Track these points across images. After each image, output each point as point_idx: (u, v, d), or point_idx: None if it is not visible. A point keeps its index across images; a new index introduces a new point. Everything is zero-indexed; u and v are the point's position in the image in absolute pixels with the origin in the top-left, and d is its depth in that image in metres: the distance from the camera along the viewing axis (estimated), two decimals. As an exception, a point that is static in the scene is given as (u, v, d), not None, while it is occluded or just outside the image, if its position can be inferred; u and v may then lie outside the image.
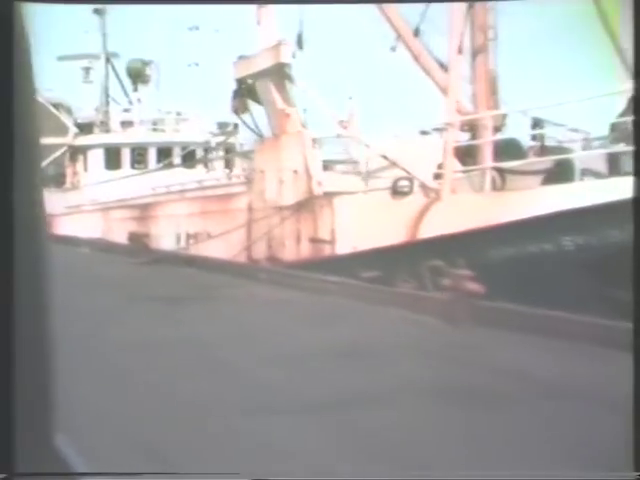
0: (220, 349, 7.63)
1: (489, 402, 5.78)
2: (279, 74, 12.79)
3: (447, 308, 8.89)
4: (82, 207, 22.20)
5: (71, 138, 25.53)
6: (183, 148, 23.21)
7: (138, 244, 15.10)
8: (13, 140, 2.61)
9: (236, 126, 25.13)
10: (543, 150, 13.61)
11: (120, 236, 18.27)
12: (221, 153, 23.79)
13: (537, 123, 14.00)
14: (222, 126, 24.10)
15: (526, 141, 14.20)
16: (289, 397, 5.84)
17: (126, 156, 22.98)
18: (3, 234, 2.56)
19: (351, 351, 7.43)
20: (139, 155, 23.08)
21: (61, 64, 25.16)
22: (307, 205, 12.33)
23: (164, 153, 23.18)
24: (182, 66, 24.70)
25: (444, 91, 14.73)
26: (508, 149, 13.38)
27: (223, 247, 14.00)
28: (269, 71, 12.84)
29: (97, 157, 22.99)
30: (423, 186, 11.58)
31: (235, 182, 15.56)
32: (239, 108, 13.80)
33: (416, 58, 14.84)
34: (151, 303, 10.51)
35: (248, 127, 14.10)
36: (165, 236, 15.67)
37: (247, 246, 13.60)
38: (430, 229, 11.20)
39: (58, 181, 26.76)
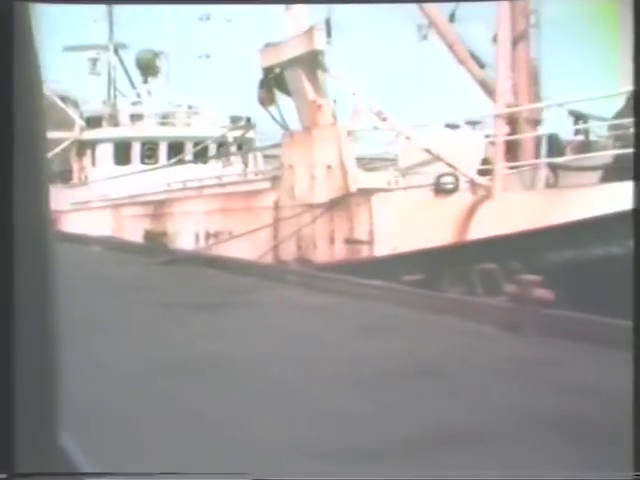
0: (262, 366, 6.73)
1: (593, 433, 4.95)
2: (311, 62, 11.91)
3: (509, 317, 8.05)
4: (90, 204, 21.32)
5: (78, 132, 24.66)
6: (196, 143, 22.32)
7: (155, 243, 14.21)
8: (13, 139, 2.60)
9: (249, 120, 24.30)
10: (586, 145, 12.76)
11: (133, 234, 17.38)
12: (238, 148, 22.91)
13: (579, 117, 13.15)
14: (235, 120, 23.21)
15: (565, 136, 13.37)
16: (373, 434, 4.91)
17: (136, 151, 22.06)
18: (3, 233, 2.56)
19: (417, 370, 6.54)
20: (149, 150, 22.18)
21: (67, 55, 24.28)
22: (342, 203, 11.45)
23: (175, 148, 22.27)
24: (192, 57, 23.81)
25: (481, 82, 13.88)
26: (549, 144, 12.56)
27: (247, 247, 13.12)
28: (300, 59, 11.94)
29: (106, 152, 22.09)
30: (471, 183, 10.70)
31: (259, 178, 14.61)
32: (266, 99, 12.90)
33: (450, 47, 13.95)
34: (170, 308, 9.64)
35: (274, 120, 13.20)
36: (182, 235, 14.77)
37: (274, 246, 12.72)
38: (480, 229, 10.33)
39: (64, 177, 25.88)
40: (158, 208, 16.48)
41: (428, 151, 10.89)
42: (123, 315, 9.25)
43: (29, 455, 2.63)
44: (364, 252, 11.27)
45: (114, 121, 22.64)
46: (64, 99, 24.38)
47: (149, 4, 23.35)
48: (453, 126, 14.92)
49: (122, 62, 25.31)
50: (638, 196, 4.52)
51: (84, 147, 23.25)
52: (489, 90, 13.77)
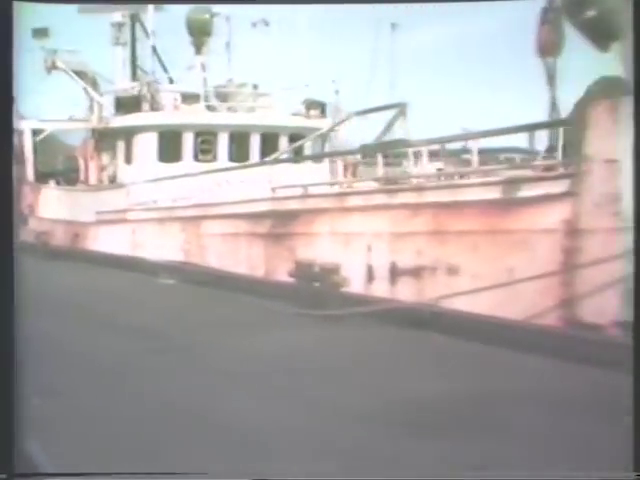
0: None
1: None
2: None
3: None
4: (128, 214, 15.60)
5: (97, 119, 18.88)
6: (263, 134, 16.81)
7: (315, 284, 8.67)
8: (12, 137, 3.39)
9: (324, 106, 18.86)
10: None
11: (227, 261, 11.83)
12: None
13: None
14: (309, 105, 17.73)
15: None
16: None
17: (188, 143, 16.42)
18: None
19: None
20: (204, 142, 16.55)
21: (84, 19, 18.40)
22: None
23: (238, 140, 16.72)
24: (245, 24, 18.06)
25: None
26: None
27: (495, 297, 7.73)
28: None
29: (147, 144, 16.36)
30: None
31: (476, 182, 8.99)
32: (550, 44, 7.54)
33: None
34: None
35: (549, 81, 7.85)
36: (345, 268, 9.16)
37: (567, 299, 7.38)
38: None
39: (69, 178, 20.08)
40: (282, 224, 10.86)
41: None
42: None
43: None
44: None
45: (154, 104, 16.87)
46: (81, 75, 18.59)
47: (150, 4, 17.84)
48: None
49: (144, 29, 19.40)
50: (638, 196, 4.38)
51: (111, 138, 17.50)
52: None
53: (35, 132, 20.94)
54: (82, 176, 19.71)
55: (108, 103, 17.83)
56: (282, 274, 10.60)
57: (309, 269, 8.78)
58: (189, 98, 16.48)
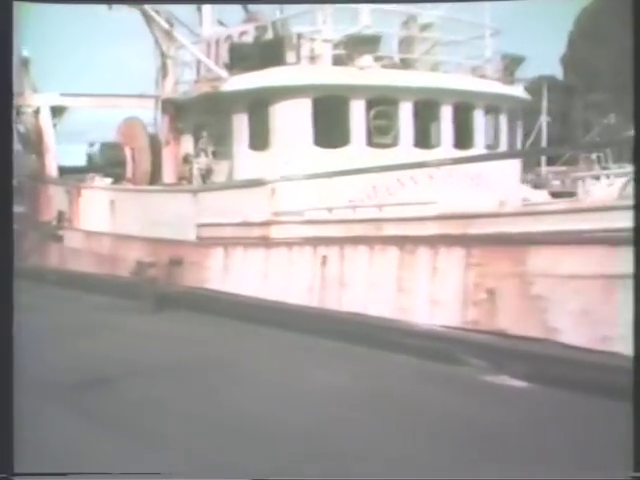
0: None
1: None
2: None
3: None
4: (283, 227, 9.46)
5: (172, 85, 12.63)
6: (456, 104, 10.89)
7: None
8: (12, 142, 3.25)
9: (519, 61, 12.76)
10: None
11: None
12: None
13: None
14: (511, 64, 11.83)
15: None
16: None
17: (359, 116, 10.33)
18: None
19: None
20: (380, 117, 10.48)
21: None
22: None
23: (422, 113, 10.72)
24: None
25: None
26: None
27: None
28: None
29: (297, 118, 10.20)
30: None
31: None
32: None
33: None
34: None
35: None
36: None
37: None
38: None
39: (111, 173, 13.67)
40: None
41: None
42: None
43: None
44: None
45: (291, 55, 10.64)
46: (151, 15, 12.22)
47: (147, 3, 12.12)
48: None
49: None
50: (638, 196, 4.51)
51: (212, 112, 11.23)
52: None
53: (55, 110, 14.69)
54: (129, 171, 13.45)
55: (214, 56, 11.49)
56: None
57: None
58: (360, 45, 10.33)
